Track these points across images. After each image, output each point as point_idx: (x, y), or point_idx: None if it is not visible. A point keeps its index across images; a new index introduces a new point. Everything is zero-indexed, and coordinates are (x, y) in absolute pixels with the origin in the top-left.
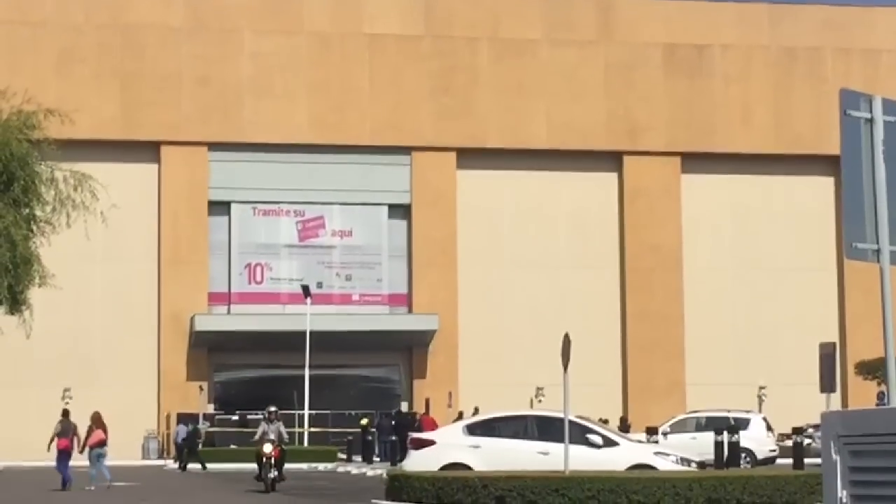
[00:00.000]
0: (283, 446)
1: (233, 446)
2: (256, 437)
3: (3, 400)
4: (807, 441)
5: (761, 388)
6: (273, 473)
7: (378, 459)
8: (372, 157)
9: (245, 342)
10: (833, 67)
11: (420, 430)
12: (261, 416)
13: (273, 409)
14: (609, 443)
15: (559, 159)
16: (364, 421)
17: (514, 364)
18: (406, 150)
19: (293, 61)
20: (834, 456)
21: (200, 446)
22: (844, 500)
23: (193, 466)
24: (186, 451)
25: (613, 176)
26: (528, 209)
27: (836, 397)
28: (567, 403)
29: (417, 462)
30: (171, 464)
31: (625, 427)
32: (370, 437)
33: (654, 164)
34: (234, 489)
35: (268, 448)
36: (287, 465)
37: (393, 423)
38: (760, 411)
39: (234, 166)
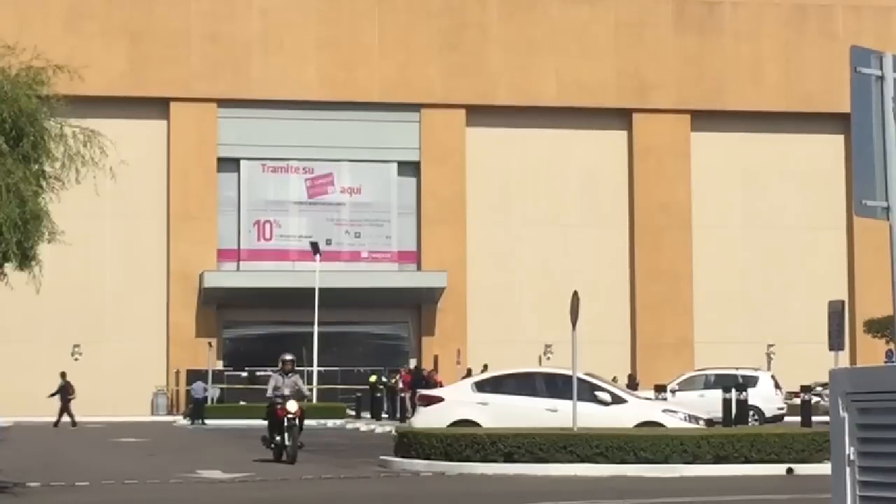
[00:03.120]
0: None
1: (242, 402)
2: (269, 392)
3: (14, 356)
4: (815, 399)
5: (770, 345)
6: (290, 441)
7: (386, 416)
8: (381, 114)
9: (254, 299)
10: (844, 25)
11: (432, 387)
12: (271, 371)
13: (290, 357)
14: (617, 400)
15: (569, 117)
16: (373, 378)
17: (523, 321)
18: (415, 107)
19: (302, 17)
20: (842, 413)
21: (72, 402)
22: (852, 457)
23: (65, 421)
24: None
25: (623, 134)
26: (538, 167)
27: (844, 355)
28: (575, 361)
29: (426, 419)
30: (181, 420)
31: (633, 384)
32: (379, 394)
33: (664, 121)
34: (243, 445)
35: (292, 406)
36: None
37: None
38: (769, 369)
39: (244, 123)
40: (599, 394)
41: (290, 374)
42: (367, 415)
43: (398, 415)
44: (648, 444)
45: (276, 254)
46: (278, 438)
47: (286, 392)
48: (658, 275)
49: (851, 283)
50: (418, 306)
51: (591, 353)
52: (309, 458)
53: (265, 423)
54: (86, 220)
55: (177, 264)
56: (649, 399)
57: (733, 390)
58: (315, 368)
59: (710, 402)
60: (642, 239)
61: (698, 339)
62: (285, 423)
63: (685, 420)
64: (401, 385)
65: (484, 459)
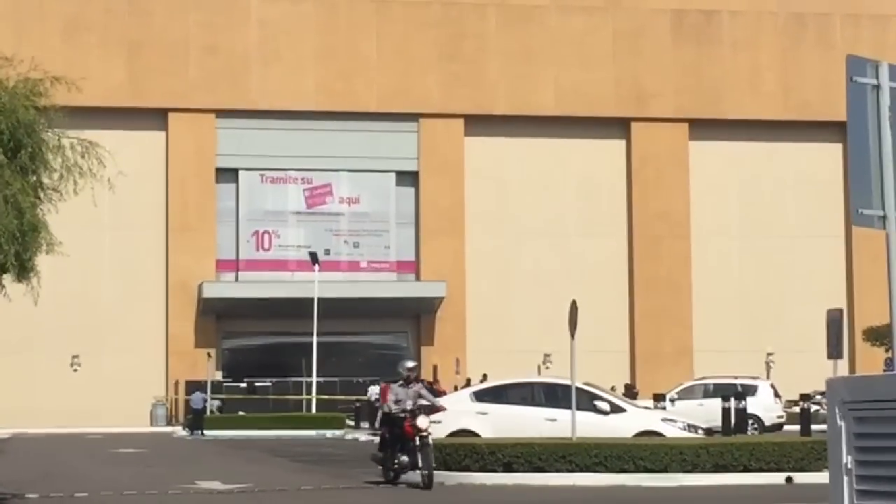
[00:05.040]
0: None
1: (241, 413)
2: (391, 406)
3: (12, 367)
4: (814, 407)
5: (769, 354)
6: (425, 462)
7: None
8: (379, 124)
9: (253, 309)
10: (842, 34)
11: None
12: (269, 382)
13: (411, 364)
14: (616, 409)
15: (567, 126)
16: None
17: (522, 331)
18: (414, 116)
19: (300, 28)
20: (839, 422)
21: None
22: (849, 467)
23: None
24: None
25: (621, 143)
26: (536, 176)
27: (843, 364)
28: (574, 370)
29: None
30: (181, 431)
31: (630, 393)
32: (378, 404)
33: (662, 130)
34: (242, 456)
35: (423, 422)
36: (294, 433)
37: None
38: (768, 378)
39: (242, 133)
40: (598, 403)
41: (411, 385)
42: (366, 425)
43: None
44: (647, 453)
45: (275, 264)
46: (403, 458)
47: (409, 405)
48: (657, 283)
49: (850, 291)
50: (417, 316)
51: (590, 362)
52: (308, 469)
53: (255, 432)
54: (84, 232)
55: (175, 275)
56: (648, 408)
57: (732, 399)
58: (314, 378)
59: (709, 411)
60: (641, 248)
61: (697, 347)
62: (417, 442)
63: (684, 429)
64: (376, 397)
65: (483, 469)
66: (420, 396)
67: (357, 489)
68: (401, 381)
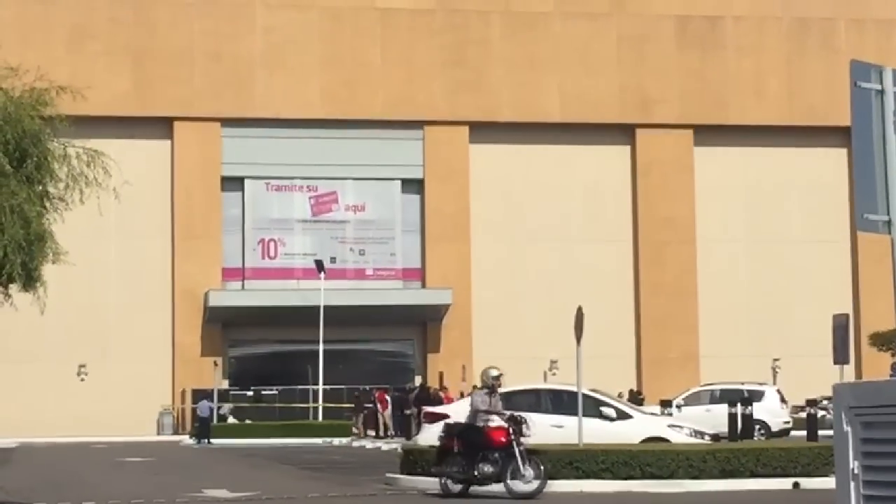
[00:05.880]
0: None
1: (248, 421)
2: (481, 409)
3: (19, 376)
4: (821, 413)
5: (775, 360)
6: (529, 470)
7: (392, 434)
8: (384, 132)
9: (259, 317)
10: (846, 38)
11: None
12: (275, 391)
13: (496, 373)
14: (623, 416)
15: (572, 133)
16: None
17: (528, 337)
18: (418, 124)
19: (305, 36)
20: (845, 427)
21: None
22: (856, 472)
23: None
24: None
25: (626, 149)
26: (541, 183)
27: (849, 369)
28: (580, 376)
29: (432, 436)
30: (188, 439)
31: (636, 400)
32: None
33: (667, 136)
34: (249, 464)
35: (527, 431)
36: (301, 440)
37: (411, 396)
38: (774, 383)
39: (247, 142)
40: (605, 409)
41: (495, 394)
42: (372, 432)
43: (381, 433)
44: (654, 459)
45: (281, 272)
46: (487, 468)
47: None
48: (662, 289)
49: (856, 296)
50: (423, 323)
51: (597, 368)
52: (315, 477)
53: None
54: (90, 241)
55: (181, 283)
56: (655, 414)
57: (739, 405)
58: (321, 386)
59: (715, 417)
60: (646, 254)
61: (703, 353)
62: (517, 451)
63: (691, 435)
64: (378, 405)
65: None
66: (499, 407)
67: (364, 496)
68: (486, 390)
